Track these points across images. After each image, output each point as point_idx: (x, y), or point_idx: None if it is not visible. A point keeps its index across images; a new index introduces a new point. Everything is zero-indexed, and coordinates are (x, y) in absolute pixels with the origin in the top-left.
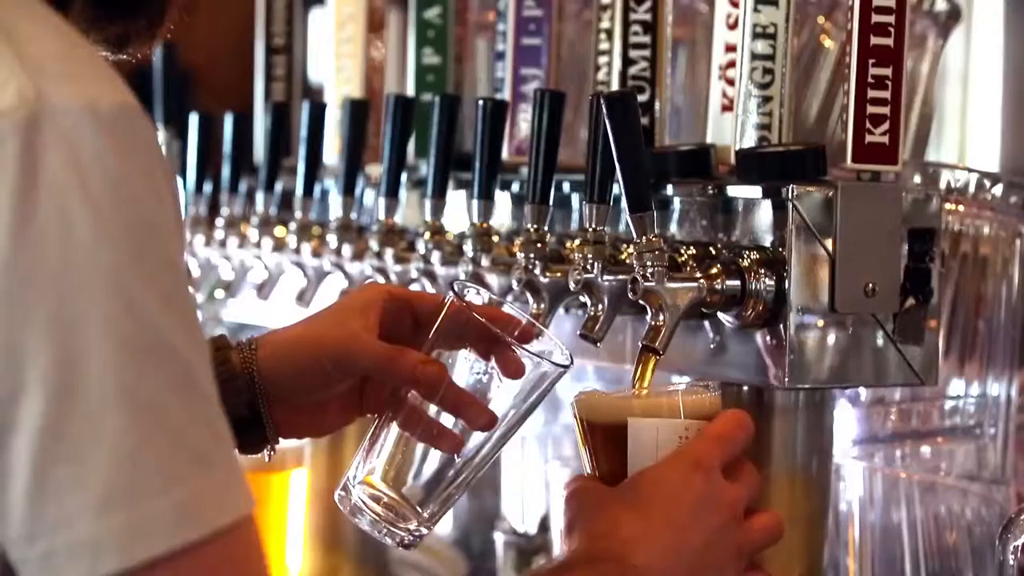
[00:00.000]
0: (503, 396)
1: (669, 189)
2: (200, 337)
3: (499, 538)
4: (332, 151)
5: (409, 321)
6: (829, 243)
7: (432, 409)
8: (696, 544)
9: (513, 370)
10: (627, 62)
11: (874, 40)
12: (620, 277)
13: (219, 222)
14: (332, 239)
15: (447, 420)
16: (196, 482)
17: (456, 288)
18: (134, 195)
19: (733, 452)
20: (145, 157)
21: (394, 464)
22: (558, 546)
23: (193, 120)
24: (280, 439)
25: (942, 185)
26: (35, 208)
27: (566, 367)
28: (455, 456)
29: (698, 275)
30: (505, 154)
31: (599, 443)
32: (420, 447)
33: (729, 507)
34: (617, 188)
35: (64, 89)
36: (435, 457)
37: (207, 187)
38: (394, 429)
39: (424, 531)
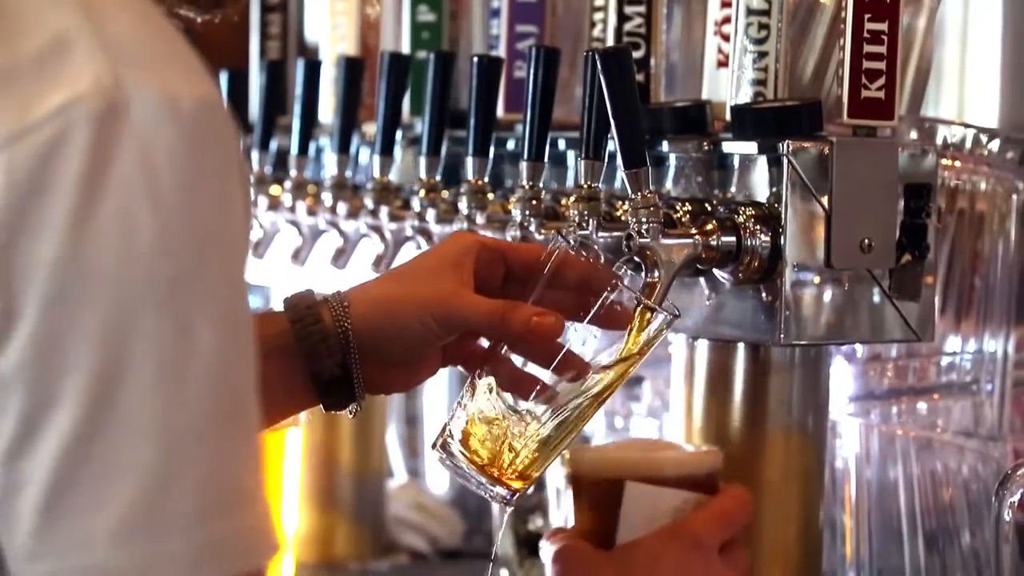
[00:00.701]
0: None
1: (664, 146)
2: (251, 358)
3: None
4: (327, 109)
5: (501, 272)
6: (825, 199)
7: (518, 360)
8: None
9: (621, 320)
10: (622, 18)
11: None
12: (615, 233)
13: None
14: (327, 197)
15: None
16: (221, 525)
17: (564, 236)
18: (204, 202)
19: (732, 533)
20: (222, 159)
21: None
22: (553, 507)
23: None
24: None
25: (938, 141)
26: (99, 206)
27: (676, 316)
28: (552, 412)
29: (693, 231)
30: (500, 111)
31: (590, 501)
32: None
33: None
34: (612, 145)
35: (144, 78)
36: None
37: None
38: (486, 383)
39: (521, 489)
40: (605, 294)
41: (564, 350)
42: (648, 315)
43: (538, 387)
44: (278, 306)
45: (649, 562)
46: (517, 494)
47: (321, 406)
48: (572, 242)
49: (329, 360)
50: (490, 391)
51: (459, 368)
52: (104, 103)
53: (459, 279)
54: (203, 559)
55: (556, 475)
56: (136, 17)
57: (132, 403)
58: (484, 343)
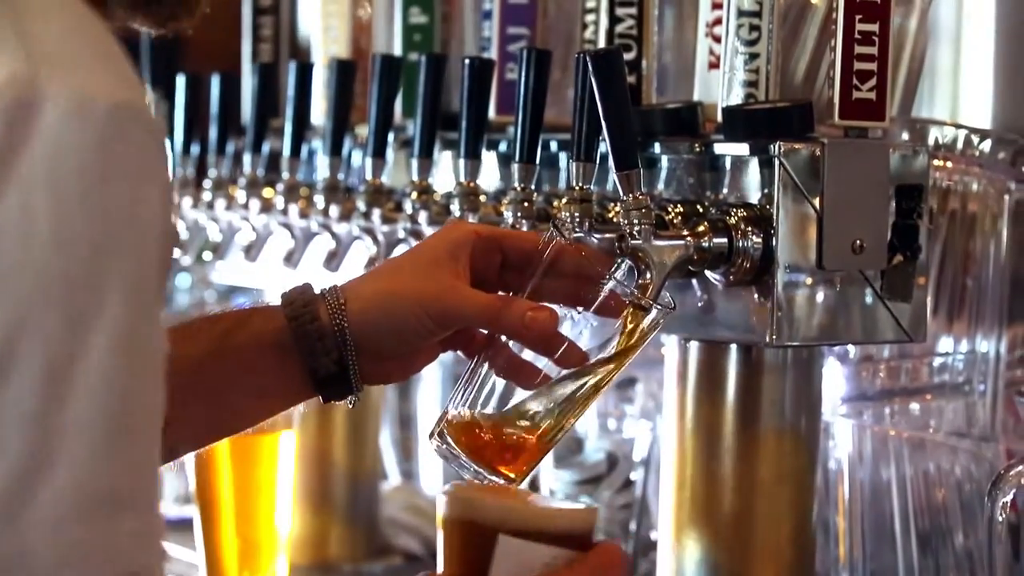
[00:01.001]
0: (596, 340)
1: (656, 147)
2: (154, 373)
3: None
4: (319, 112)
5: (498, 260)
6: (816, 200)
7: (514, 347)
8: None
9: (619, 309)
10: (614, 20)
11: None
12: (607, 235)
13: (206, 184)
14: (319, 200)
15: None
16: (91, 527)
17: (559, 226)
18: (109, 206)
19: None
20: (135, 164)
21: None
22: None
23: (180, 81)
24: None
25: (930, 141)
26: (0, 199)
27: (672, 309)
28: (549, 402)
29: (685, 233)
30: (492, 113)
31: (461, 547)
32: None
33: None
34: (604, 146)
35: (61, 78)
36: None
37: (195, 149)
38: (485, 374)
39: (517, 479)
40: (603, 282)
41: (566, 342)
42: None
43: (539, 377)
44: (275, 302)
45: None
46: (513, 483)
47: (320, 398)
48: (567, 235)
49: (326, 358)
50: (488, 380)
51: (452, 366)
52: (16, 98)
53: (455, 272)
54: (66, 560)
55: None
56: (65, 18)
57: (13, 393)
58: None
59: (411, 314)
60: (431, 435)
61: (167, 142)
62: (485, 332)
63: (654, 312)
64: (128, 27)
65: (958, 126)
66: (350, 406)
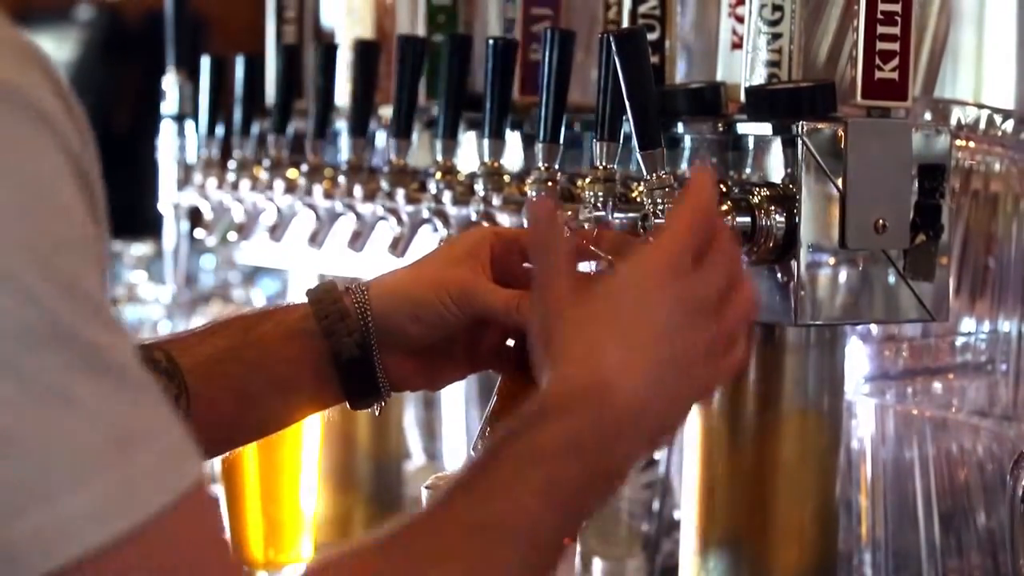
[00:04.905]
0: None
1: (679, 127)
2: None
3: None
4: (343, 93)
5: (519, 262)
6: (839, 180)
7: None
8: (674, 361)
9: None
10: (637, 0)
11: None
12: (631, 215)
13: (231, 165)
14: (344, 180)
15: None
16: (115, 472)
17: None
18: None
19: (705, 237)
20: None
21: None
22: None
23: (205, 63)
24: (391, 393)
25: (952, 121)
26: None
27: None
28: None
29: None
30: (516, 94)
31: None
32: None
33: (704, 309)
34: (627, 126)
35: None
36: None
37: (219, 130)
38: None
39: None
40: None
41: None
42: None
43: None
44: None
45: (630, 304)
46: None
47: (347, 403)
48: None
49: (348, 339)
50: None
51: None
52: None
53: (475, 268)
54: (102, 511)
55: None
56: None
57: None
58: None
59: (433, 296)
60: (473, 447)
61: (67, 122)
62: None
63: None
64: None
65: (980, 106)
66: (375, 414)
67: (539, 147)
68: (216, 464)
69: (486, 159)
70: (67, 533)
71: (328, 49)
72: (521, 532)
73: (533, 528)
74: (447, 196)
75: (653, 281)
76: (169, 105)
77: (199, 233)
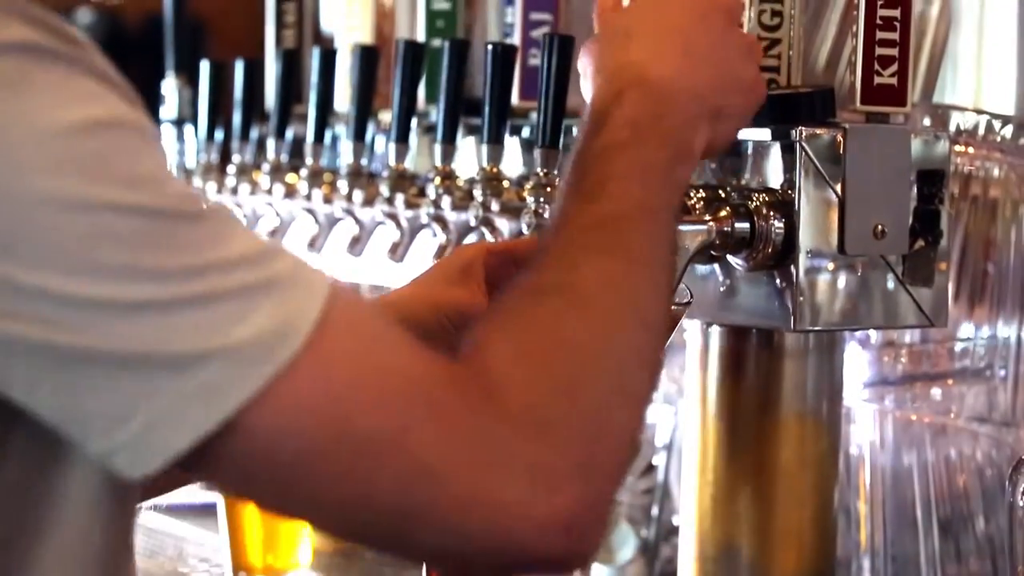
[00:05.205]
0: None
1: None
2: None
3: None
4: (343, 97)
5: (514, 272)
6: (838, 185)
7: None
8: (710, 50)
9: None
10: None
11: None
12: None
13: (230, 169)
14: (343, 185)
15: None
16: (273, 296)
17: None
18: None
19: None
20: None
21: None
22: None
23: (204, 68)
24: None
25: (951, 127)
26: None
27: (687, 303)
28: None
29: (707, 217)
30: (515, 99)
31: None
32: None
33: (728, 11)
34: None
35: None
36: None
37: (218, 135)
38: None
39: None
40: None
41: None
42: None
43: None
44: None
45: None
46: None
47: None
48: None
49: None
50: None
51: None
52: None
53: (471, 287)
54: (269, 343)
55: None
56: None
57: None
58: None
59: (430, 314)
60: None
61: None
62: None
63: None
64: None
65: (980, 112)
66: None
67: (538, 152)
68: None
69: (485, 164)
70: (255, 358)
71: (327, 54)
72: (634, 216)
73: (642, 209)
74: (446, 201)
75: None
76: (168, 109)
77: None
